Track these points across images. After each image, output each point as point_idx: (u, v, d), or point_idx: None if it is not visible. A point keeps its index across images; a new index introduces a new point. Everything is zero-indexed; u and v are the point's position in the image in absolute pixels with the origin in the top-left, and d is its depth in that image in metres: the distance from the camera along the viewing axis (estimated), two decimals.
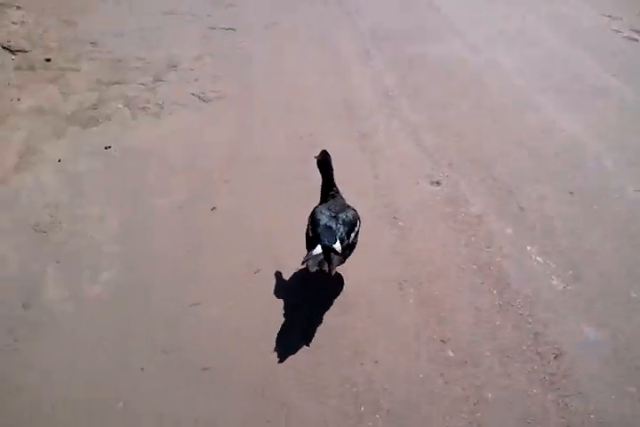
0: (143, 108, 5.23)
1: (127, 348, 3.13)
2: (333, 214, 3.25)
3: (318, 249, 3.08)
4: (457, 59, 5.97)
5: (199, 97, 5.40)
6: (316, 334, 3.16)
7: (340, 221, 3.21)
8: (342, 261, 3.19)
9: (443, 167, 4.44)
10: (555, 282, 3.43)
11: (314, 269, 3.00)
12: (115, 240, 3.79)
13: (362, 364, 3.01)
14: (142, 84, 5.61)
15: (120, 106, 5.26)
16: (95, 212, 4.03)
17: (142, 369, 3.03)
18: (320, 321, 3.24)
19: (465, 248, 3.69)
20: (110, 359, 3.08)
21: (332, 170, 3.41)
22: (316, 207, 3.38)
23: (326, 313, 3.29)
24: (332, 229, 3.16)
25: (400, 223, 3.90)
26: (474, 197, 4.13)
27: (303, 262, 3.05)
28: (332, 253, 3.07)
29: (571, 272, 3.49)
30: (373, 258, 3.62)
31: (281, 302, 3.34)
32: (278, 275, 3.51)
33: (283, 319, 3.24)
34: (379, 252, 3.68)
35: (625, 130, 4.79)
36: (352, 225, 3.27)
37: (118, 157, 4.60)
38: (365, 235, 3.46)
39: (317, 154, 3.36)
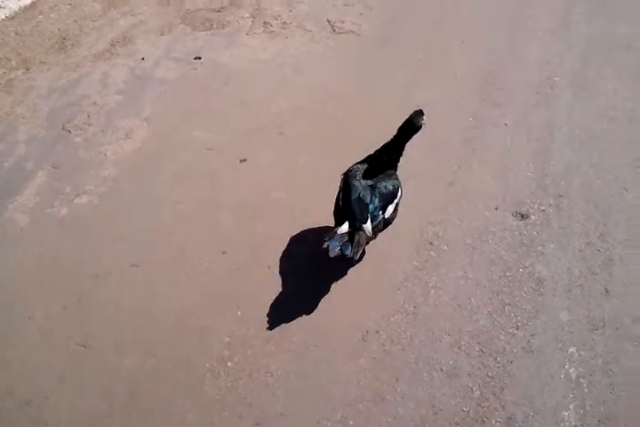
0: (266, 23, 4.62)
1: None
2: (370, 183, 2.59)
3: (345, 228, 2.49)
4: None
5: (332, 26, 4.62)
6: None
7: (377, 193, 2.56)
8: (368, 241, 2.58)
9: (547, 197, 3.28)
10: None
11: (334, 253, 2.42)
12: (118, 165, 3.41)
13: None
14: None
15: (246, 15, 4.71)
16: (128, 126, 3.67)
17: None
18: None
19: (477, 323, 2.69)
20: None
21: (408, 140, 2.67)
22: (352, 168, 2.70)
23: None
24: (364, 202, 2.52)
25: (432, 253, 2.98)
26: (556, 251, 3.00)
27: (325, 243, 2.45)
28: (360, 234, 2.46)
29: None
30: (364, 288, 2.81)
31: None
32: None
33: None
34: (377, 283, 2.85)
35: None
36: (391, 197, 2.61)
37: (200, 71, 4.13)
38: (377, 256, 2.68)
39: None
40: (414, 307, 2.74)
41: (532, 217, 3.18)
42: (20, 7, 4.46)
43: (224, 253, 2.94)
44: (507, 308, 2.75)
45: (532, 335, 2.64)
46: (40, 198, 3.18)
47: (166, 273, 2.84)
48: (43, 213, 3.10)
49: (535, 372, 2.50)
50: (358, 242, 2.45)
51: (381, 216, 2.59)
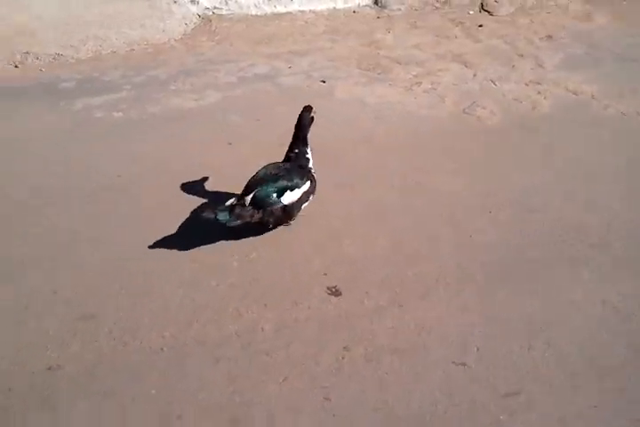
0: (418, 83, 4.72)
1: None
2: (275, 171, 3.04)
3: (230, 200, 3.03)
4: None
5: (469, 107, 4.43)
6: None
7: (273, 180, 2.97)
8: (248, 221, 2.94)
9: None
10: None
11: (208, 216, 2.96)
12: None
13: None
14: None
15: (414, 73, 4.87)
16: (210, 94, 4.46)
17: None
18: None
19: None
20: None
21: (306, 131, 3.12)
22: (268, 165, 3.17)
23: None
24: (256, 183, 2.99)
25: None
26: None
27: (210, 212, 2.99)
28: (237, 207, 2.90)
29: None
30: None
31: None
32: None
33: None
34: None
35: None
36: (290, 187, 2.98)
37: (309, 89, 4.63)
38: None
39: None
40: None
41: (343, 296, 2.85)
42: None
43: None
44: None
45: None
46: None
47: None
48: None
49: None
50: (238, 213, 2.85)
51: (277, 200, 2.93)
